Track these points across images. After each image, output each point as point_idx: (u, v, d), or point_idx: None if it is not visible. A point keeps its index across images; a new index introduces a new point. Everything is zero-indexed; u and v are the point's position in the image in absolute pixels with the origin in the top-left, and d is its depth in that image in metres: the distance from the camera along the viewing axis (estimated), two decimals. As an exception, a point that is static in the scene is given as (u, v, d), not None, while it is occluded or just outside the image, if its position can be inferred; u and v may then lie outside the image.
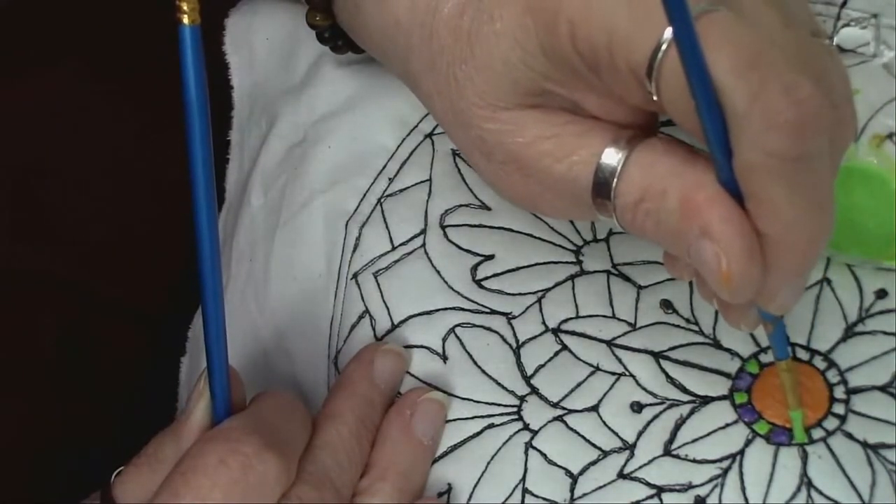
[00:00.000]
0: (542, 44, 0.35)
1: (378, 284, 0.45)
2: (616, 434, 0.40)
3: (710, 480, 0.39)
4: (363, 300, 0.45)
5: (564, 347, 0.42)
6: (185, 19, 0.31)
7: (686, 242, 0.34)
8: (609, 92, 0.35)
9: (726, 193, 0.33)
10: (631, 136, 0.36)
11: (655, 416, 0.40)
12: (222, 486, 0.35)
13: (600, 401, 0.41)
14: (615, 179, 0.35)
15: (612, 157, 0.35)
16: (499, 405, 0.42)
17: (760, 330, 0.41)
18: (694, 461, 0.39)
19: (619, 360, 0.42)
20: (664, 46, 0.32)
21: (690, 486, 0.39)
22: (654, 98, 0.33)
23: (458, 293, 0.44)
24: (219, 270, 0.36)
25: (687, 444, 0.40)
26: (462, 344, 0.43)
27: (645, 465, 0.40)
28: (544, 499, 0.40)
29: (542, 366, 0.42)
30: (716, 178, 0.33)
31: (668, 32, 0.32)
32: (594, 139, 0.36)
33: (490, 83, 0.37)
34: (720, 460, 0.39)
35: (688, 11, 0.29)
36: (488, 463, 0.41)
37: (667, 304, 0.42)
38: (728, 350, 0.41)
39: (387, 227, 0.46)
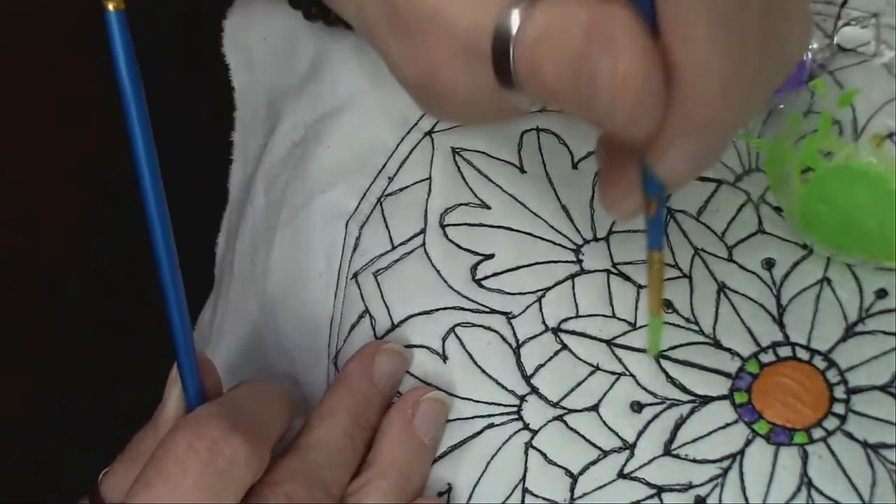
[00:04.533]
0: None
1: (378, 284, 0.45)
2: (616, 434, 0.40)
3: (711, 480, 0.39)
4: (363, 300, 0.45)
5: (564, 347, 0.42)
6: (110, 6, 0.31)
7: (588, 68, 0.30)
8: None
9: (638, 16, 0.30)
10: None
11: (655, 416, 0.40)
12: (192, 471, 0.35)
13: (600, 400, 0.41)
14: (517, 23, 0.32)
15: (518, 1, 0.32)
16: (499, 405, 0.42)
17: (761, 328, 0.41)
18: (694, 461, 0.39)
19: (619, 360, 0.42)
20: None
21: (690, 486, 0.39)
22: None
23: (458, 292, 0.44)
24: (174, 257, 0.36)
25: (687, 443, 0.40)
26: (462, 343, 0.43)
27: (645, 464, 0.40)
28: (544, 498, 0.40)
29: (541, 365, 0.42)
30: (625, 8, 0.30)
31: None
32: None
33: None
34: (720, 460, 0.39)
35: None
36: (488, 463, 0.41)
37: (667, 304, 0.42)
38: (728, 350, 0.41)
39: (387, 226, 0.46)
